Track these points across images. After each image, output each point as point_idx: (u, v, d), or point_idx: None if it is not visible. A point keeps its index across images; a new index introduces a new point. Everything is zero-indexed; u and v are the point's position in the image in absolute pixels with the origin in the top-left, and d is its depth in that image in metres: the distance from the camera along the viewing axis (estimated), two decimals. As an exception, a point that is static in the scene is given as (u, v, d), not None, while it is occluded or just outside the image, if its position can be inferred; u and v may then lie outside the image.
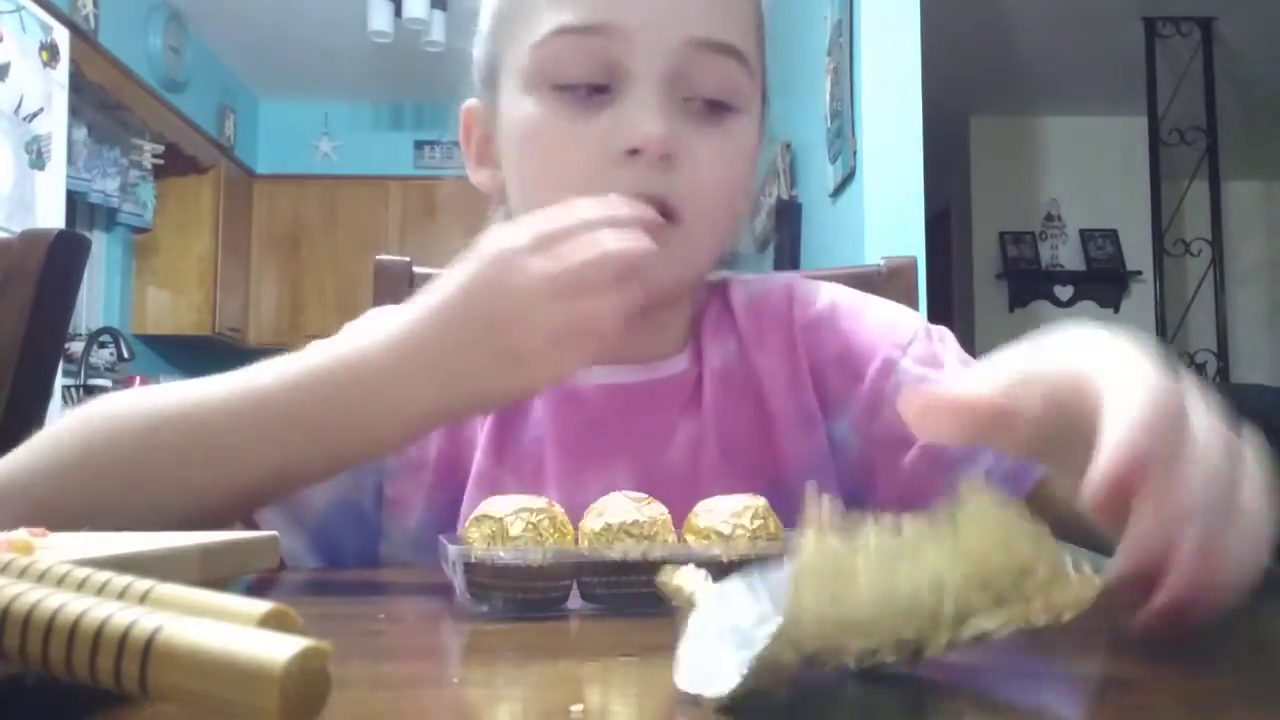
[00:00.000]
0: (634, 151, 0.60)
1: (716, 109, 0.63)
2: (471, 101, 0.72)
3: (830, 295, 0.73)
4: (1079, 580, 0.28)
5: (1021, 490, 0.64)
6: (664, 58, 0.61)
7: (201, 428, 0.55)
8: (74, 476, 0.56)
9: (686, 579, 0.33)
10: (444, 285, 0.53)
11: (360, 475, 0.67)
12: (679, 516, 0.49)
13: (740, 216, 0.70)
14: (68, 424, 0.57)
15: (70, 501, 0.56)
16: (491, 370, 0.52)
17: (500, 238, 0.52)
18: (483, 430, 0.68)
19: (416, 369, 0.53)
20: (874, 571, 0.25)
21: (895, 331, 0.69)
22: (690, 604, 0.31)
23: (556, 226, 0.51)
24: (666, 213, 0.61)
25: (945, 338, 0.71)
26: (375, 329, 0.54)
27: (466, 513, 0.64)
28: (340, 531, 0.67)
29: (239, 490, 0.56)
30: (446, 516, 0.67)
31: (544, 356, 0.51)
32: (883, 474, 0.67)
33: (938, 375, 0.67)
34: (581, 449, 0.68)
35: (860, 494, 0.68)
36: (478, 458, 0.68)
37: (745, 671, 0.25)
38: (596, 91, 0.62)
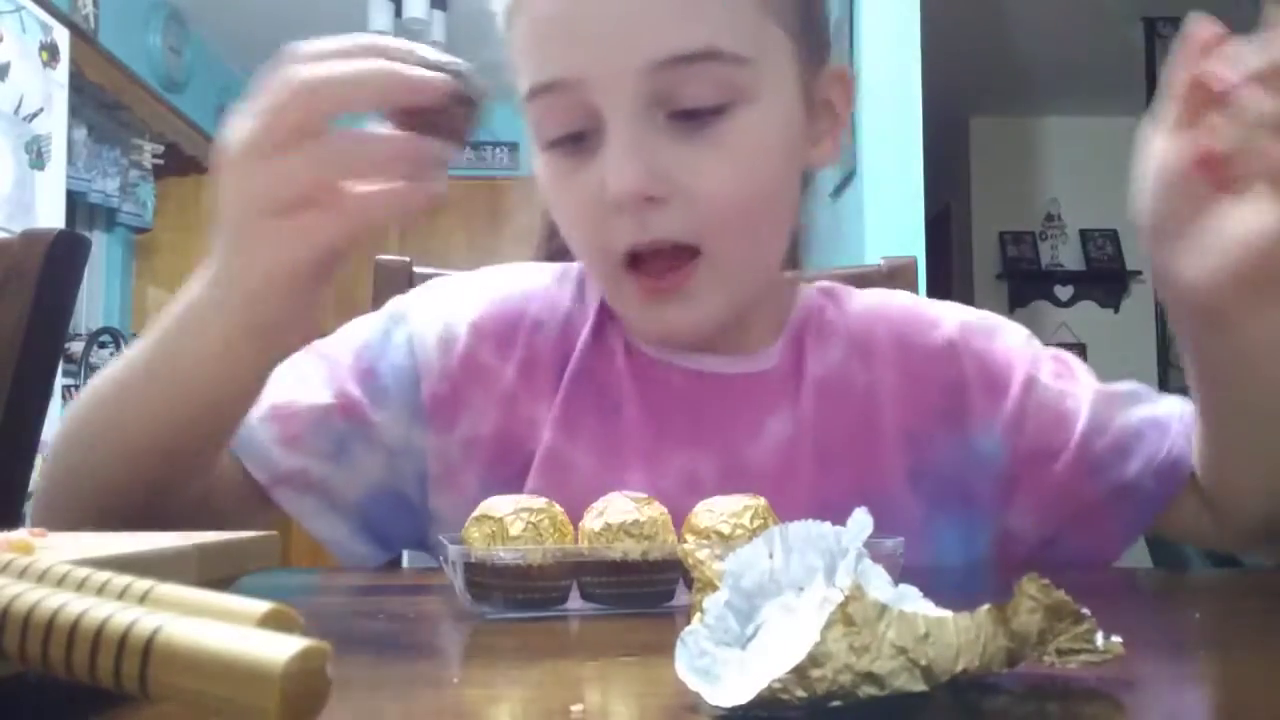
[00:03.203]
0: (620, 205, 0.59)
1: (714, 113, 0.60)
2: None
3: (958, 316, 0.73)
4: (1104, 647, 0.29)
5: (1173, 487, 0.66)
6: (630, 91, 0.58)
7: (115, 385, 0.56)
8: (60, 443, 0.59)
9: (708, 554, 0.33)
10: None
11: (398, 463, 0.67)
12: None
13: (793, 195, 0.67)
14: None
15: (62, 465, 0.59)
16: (228, 252, 0.49)
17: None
18: (550, 408, 0.67)
19: (199, 281, 0.52)
20: (902, 632, 0.26)
21: (1027, 348, 0.71)
22: (711, 583, 0.31)
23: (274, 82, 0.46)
24: (683, 250, 0.61)
25: (1063, 356, 0.73)
26: None
27: (533, 490, 0.64)
28: (385, 518, 0.67)
29: (140, 448, 0.55)
30: (509, 494, 0.66)
31: (260, 230, 0.47)
32: (1026, 487, 0.68)
33: (1074, 388, 0.69)
34: (664, 432, 0.67)
35: (1002, 507, 0.69)
36: (546, 435, 0.66)
37: (750, 697, 0.25)
38: (585, 138, 0.60)
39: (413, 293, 0.74)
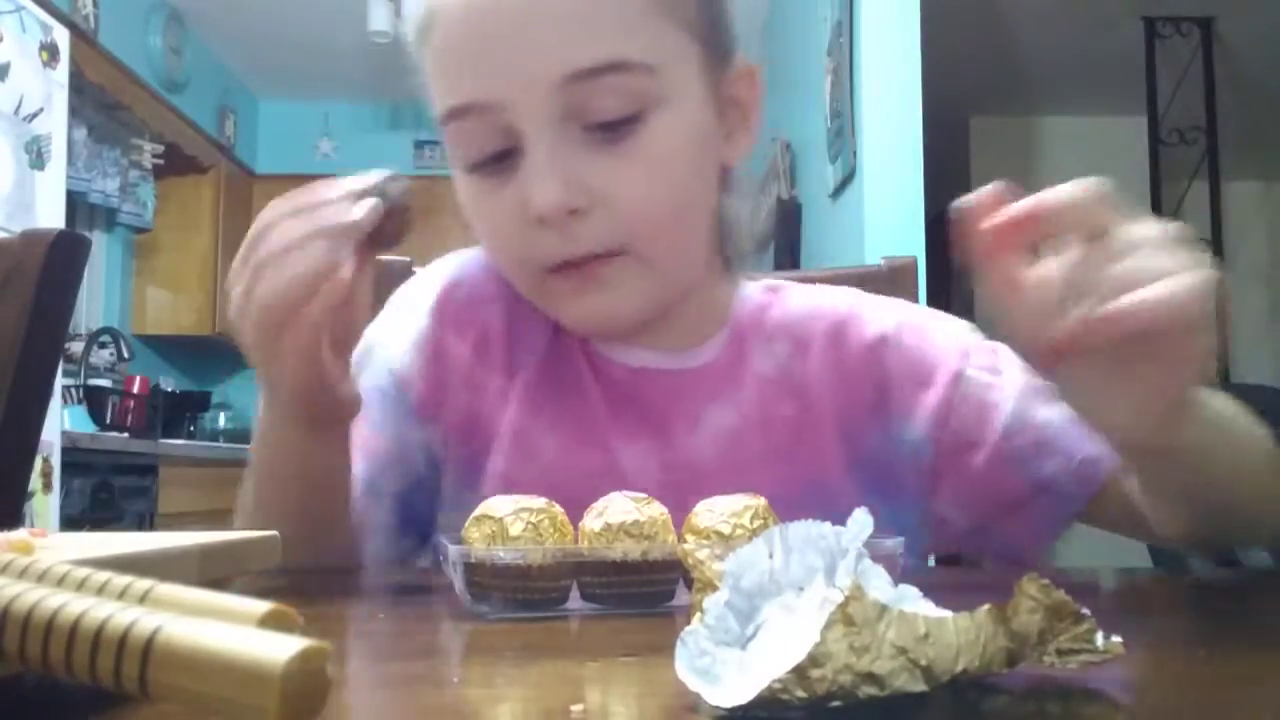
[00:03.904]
0: (544, 220, 0.61)
1: (627, 123, 0.61)
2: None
3: (896, 314, 0.75)
4: (1104, 647, 0.29)
5: (1090, 489, 0.67)
6: (543, 108, 0.60)
7: (250, 486, 0.65)
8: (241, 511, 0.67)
9: (708, 554, 0.33)
10: None
11: (413, 466, 0.70)
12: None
13: (710, 192, 0.69)
14: None
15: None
16: (263, 381, 0.58)
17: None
18: (503, 381, 0.71)
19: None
20: (902, 632, 0.26)
21: (958, 342, 0.73)
22: (711, 584, 0.31)
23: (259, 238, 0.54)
24: (609, 253, 0.63)
25: (999, 349, 0.73)
26: None
27: (495, 468, 0.69)
28: (418, 515, 0.71)
29: (290, 516, 0.61)
30: (469, 473, 0.70)
31: (266, 363, 0.55)
32: (949, 478, 0.70)
33: (1000, 382, 0.70)
34: (613, 420, 0.70)
35: (929, 496, 0.71)
36: (511, 413, 0.70)
37: (750, 697, 0.25)
38: (505, 157, 0.62)
39: (375, 320, 0.77)
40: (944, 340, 0.73)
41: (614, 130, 0.61)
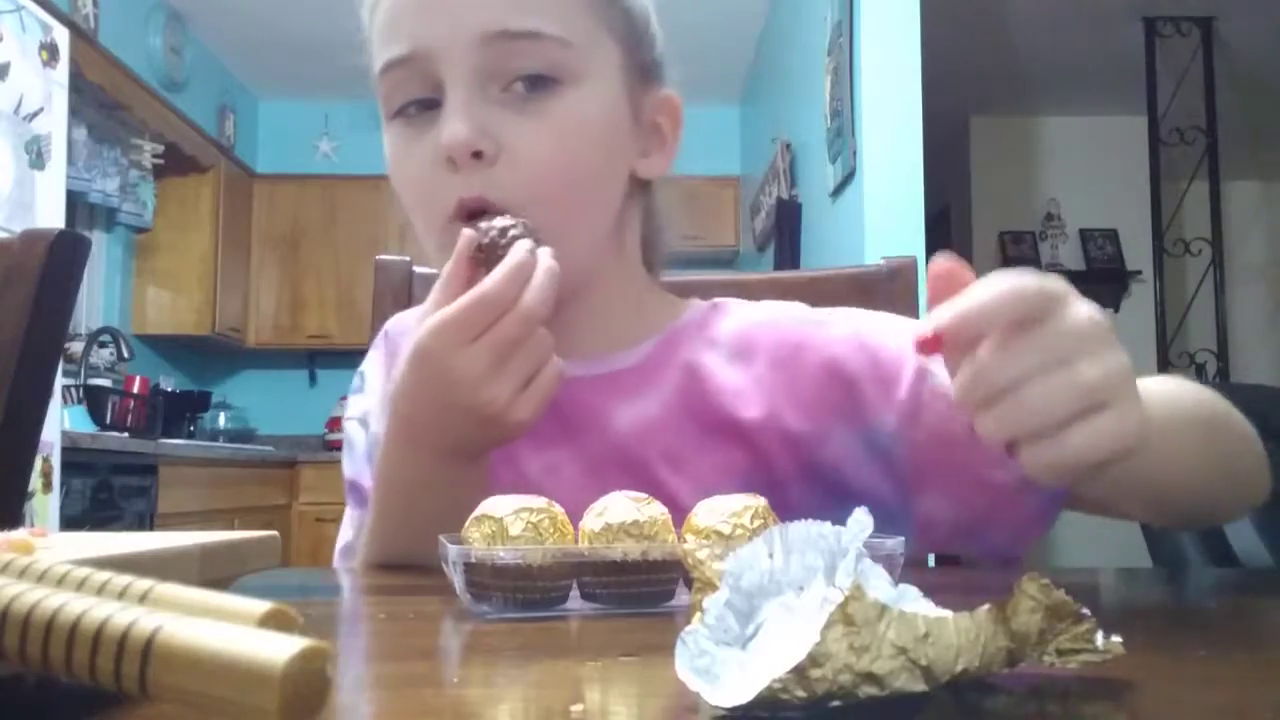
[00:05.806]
0: (451, 160, 0.65)
1: (540, 86, 0.67)
2: None
3: (849, 316, 0.75)
4: (1104, 647, 0.29)
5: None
6: (466, 60, 0.66)
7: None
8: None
9: (708, 554, 0.33)
10: (398, 403, 0.62)
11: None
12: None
13: (615, 185, 0.72)
14: None
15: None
16: (474, 437, 0.61)
17: (421, 336, 0.59)
18: None
19: (415, 478, 0.64)
20: (902, 632, 0.26)
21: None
22: (711, 583, 0.31)
23: (470, 312, 0.58)
24: (487, 208, 0.65)
25: None
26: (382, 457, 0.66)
27: None
28: None
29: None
30: None
31: (511, 409, 0.59)
32: (935, 472, 0.69)
33: None
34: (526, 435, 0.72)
35: (910, 495, 0.70)
36: None
37: (750, 697, 0.25)
38: (431, 107, 0.68)
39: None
40: (902, 338, 0.72)
41: (529, 95, 0.67)
